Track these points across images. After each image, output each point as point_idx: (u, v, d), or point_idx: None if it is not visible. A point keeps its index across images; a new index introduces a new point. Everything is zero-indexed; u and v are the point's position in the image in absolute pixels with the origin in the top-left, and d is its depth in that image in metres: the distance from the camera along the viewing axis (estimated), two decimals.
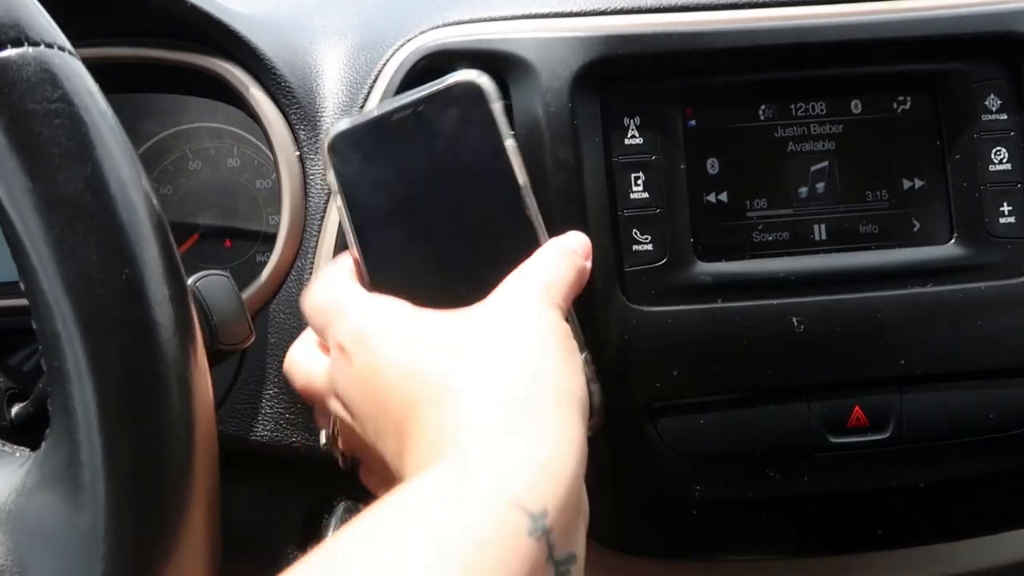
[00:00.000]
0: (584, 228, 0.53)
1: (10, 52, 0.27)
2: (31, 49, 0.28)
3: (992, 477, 0.54)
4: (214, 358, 0.40)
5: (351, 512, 0.59)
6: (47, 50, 0.28)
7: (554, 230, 0.53)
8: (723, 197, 0.56)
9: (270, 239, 0.70)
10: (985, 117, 0.57)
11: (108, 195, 0.27)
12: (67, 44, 0.29)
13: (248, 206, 0.78)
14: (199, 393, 0.29)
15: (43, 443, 0.28)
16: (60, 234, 0.26)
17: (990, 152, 0.56)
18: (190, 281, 0.41)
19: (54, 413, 0.27)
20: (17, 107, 0.27)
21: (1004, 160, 0.56)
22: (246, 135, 0.75)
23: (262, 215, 0.73)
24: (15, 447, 0.31)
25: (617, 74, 0.55)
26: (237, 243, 0.77)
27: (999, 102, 0.57)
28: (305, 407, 0.59)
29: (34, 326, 0.27)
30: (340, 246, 0.57)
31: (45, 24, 0.29)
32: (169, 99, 0.76)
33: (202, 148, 0.79)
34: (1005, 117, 0.57)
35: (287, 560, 0.61)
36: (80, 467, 0.26)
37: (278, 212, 0.63)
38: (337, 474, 0.61)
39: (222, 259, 0.77)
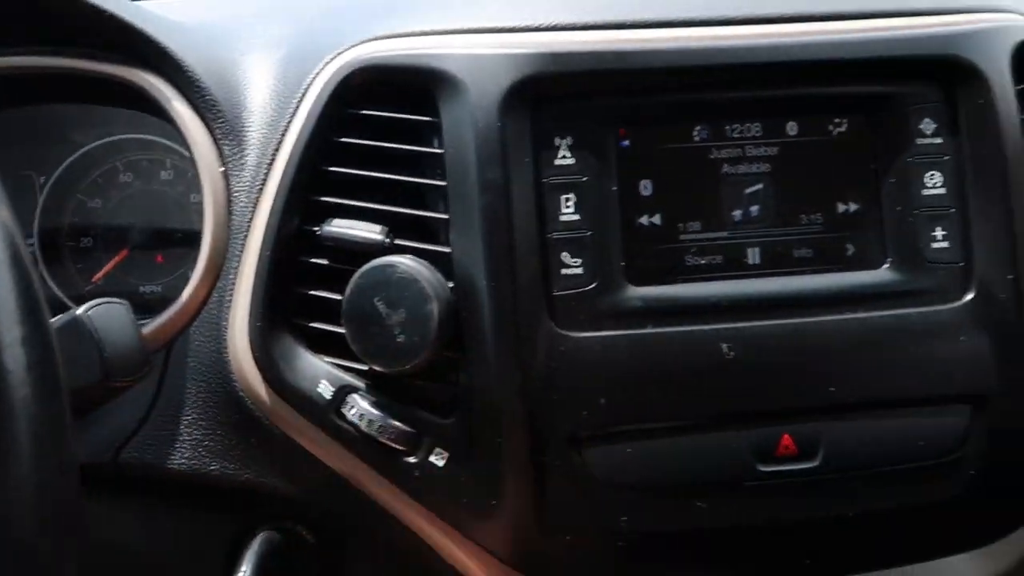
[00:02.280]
0: (511, 251, 0.52)
1: None
2: None
3: (922, 506, 0.54)
4: (105, 394, 0.37)
5: (271, 543, 0.57)
6: None
7: (480, 252, 0.52)
8: (656, 220, 0.55)
9: None
10: (919, 141, 0.56)
11: None
12: None
13: (181, 221, 0.76)
14: (55, 447, 0.27)
15: None
16: None
17: (924, 176, 0.56)
18: (80, 310, 0.39)
19: None
20: None
21: (938, 184, 0.56)
22: (179, 148, 0.73)
23: (195, 230, 0.71)
24: None
25: (549, 93, 0.53)
26: (169, 258, 0.74)
27: (933, 125, 0.56)
28: (225, 434, 0.57)
29: None
30: (261, 269, 0.55)
31: None
32: (99, 110, 0.74)
33: (134, 160, 0.77)
34: (940, 141, 0.56)
35: None
36: None
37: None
38: (260, 503, 0.60)
39: (153, 275, 0.74)
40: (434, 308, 0.50)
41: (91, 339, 0.39)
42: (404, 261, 0.51)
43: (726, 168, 0.56)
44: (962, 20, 0.58)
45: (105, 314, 0.39)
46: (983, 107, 0.55)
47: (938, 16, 0.58)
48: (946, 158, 0.56)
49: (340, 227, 0.54)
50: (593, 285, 0.53)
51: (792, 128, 0.56)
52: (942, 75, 0.56)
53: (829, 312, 0.54)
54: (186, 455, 0.57)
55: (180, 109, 0.59)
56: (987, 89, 0.55)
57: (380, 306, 0.51)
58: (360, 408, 0.53)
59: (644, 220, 0.55)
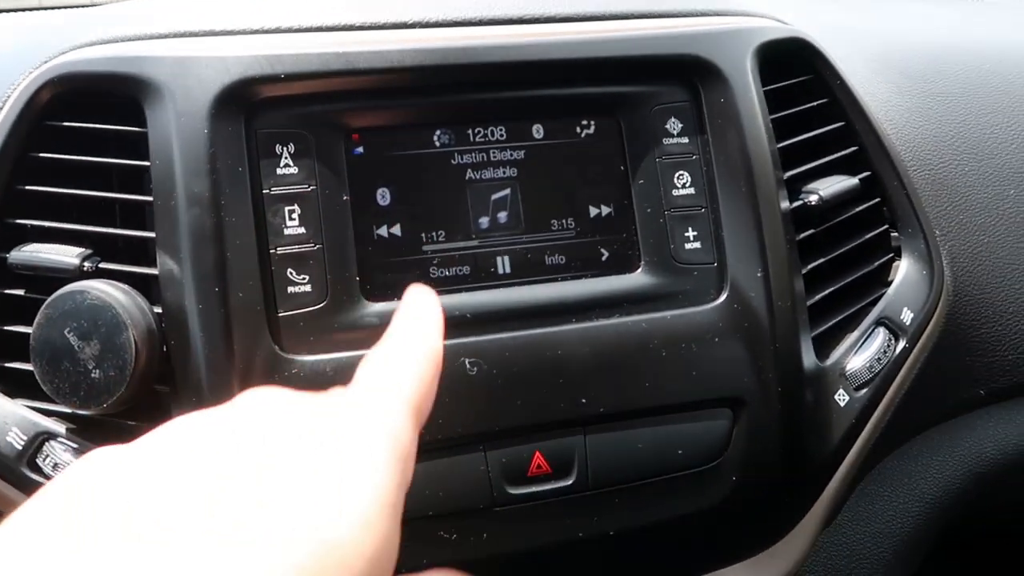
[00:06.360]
0: (223, 269, 0.47)
1: None
2: None
3: (686, 517, 0.51)
4: None
5: None
6: None
7: (188, 273, 0.46)
8: (396, 230, 0.51)
9: None
10: (667, 141, 0.55)
11: None
12: None
13: None
14: None
15: None
16: None
17: (673, 176, 0.55)
18: None
19: None
20: None
21: (687, 184, 0.55)
22: None
23: None
24: None
25: (265, 97, 0.49)
26: None
27: (680, 125, 0.55)
28: None
29: None
30: None
31: None
32: None
33: None
34: (686, 140, 0.55)
35: None
36: None
37: None
38: None
39: None
40: (130, 337, 0.44)
41: None
42: (97, 286, 0.45)
43: (470, 174, 0.53)
44: (704, 22, 0.58)
45: None
46: (725, 106, 0.55)
47: (681, 18, 0.58)
48: (694, 158, 0.55)
49: (30, 252, 0.48)
50: (324, 303, 0.49)
51: (538, 131, 0.54)
52: (685, 75, 0.55)
53: (581, 319, 0.51)
54: None
55: None
56: (728, 88, 0.55)
57: (71, 338, 0.45)
58: (57, 457, 0.46)
59: (383, 231, 0.51)
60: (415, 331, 0.37)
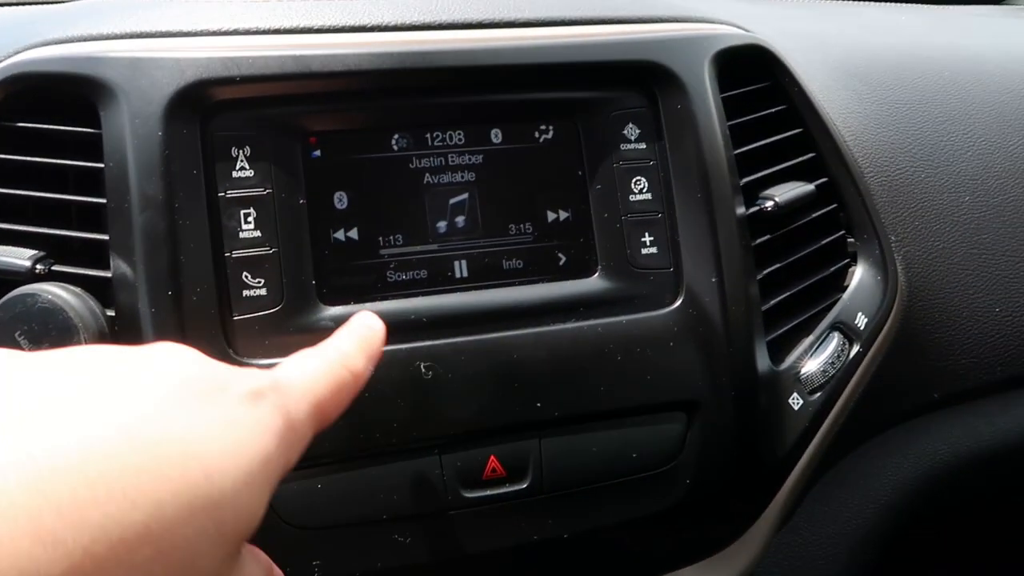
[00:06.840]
0: (176, 272, 0.47)
1: None
2: None
3: (642, 519, 0.52)
4: None
5: None
6: None
7: (141, 276, 0.46)
8: (353, 234, 0.51)
9: None
10: (624, 146, 0.55)
11: None
12: None
13: None
14: None
15: None
16: None
17: (630, 182, 0.55)
18: None
19: None
20: None
21: (644, 190, 0.55)
22: None
23: None
24: None
25: (222, 99, 0.49)
26: None
27: (637, 131, 0.56)
28: None
29: None
30: None
31: None
32: None
33: None
34: (644, 146, 0.56)
35: None
36: None
37: None
38: None
39: None
40: (81, 341, 0.44)
41: None
42: (48, 289, 0.45)
43: (428, 178, 0.53)
44: (662, 28, 0.58)
45: None
46: (682, 113, 0.55)
47: (640, 24, 0.58)
48: (651, 163, 0.56)
49: None
50: (279, 307, 0.49)
51: (497, 135, 0.54)
52: (642, 81, 0.56)
53: (538, 324, 0.52)
54: None
55: None
56: (685, 95, 0.55)
57: (22, 341, 0.45)
58: None
59: (340, 235, 0.51)
60: (347, 348, 0.40)
